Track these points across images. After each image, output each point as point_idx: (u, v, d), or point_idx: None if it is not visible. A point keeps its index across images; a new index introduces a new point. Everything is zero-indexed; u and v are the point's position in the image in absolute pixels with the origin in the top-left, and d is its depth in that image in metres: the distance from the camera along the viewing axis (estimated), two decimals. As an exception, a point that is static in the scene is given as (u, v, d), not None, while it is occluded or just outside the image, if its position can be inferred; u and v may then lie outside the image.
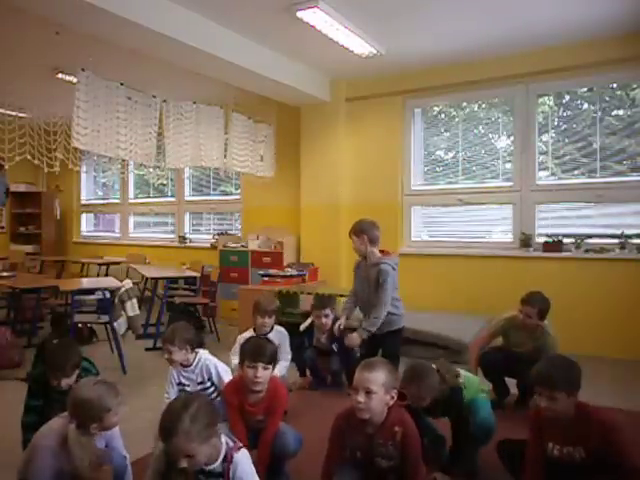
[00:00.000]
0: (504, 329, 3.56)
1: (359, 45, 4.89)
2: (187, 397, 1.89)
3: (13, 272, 6.10)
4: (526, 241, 5.26)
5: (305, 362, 3.98)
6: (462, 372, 2.66)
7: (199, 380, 2.85)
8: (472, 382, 2.67)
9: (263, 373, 2.36)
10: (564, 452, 2.08)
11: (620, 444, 1.99)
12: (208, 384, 2.86)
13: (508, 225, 5.49)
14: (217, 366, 2.88)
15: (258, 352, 2.37)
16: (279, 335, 3.57)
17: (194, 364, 2.85)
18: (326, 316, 3.81)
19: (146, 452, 2.78)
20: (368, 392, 2.02)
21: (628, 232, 4.83)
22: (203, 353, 2.90)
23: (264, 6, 4.16)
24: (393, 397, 2.08)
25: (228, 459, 1.83)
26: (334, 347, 3.83)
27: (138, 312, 4.73)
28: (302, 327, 4.10)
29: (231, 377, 2.80)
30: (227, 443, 1.86)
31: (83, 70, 4.15)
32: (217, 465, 1.80)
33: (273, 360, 2.44)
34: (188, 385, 2.86)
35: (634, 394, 3.79)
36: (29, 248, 8.79)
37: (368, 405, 2.01)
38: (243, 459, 1.87)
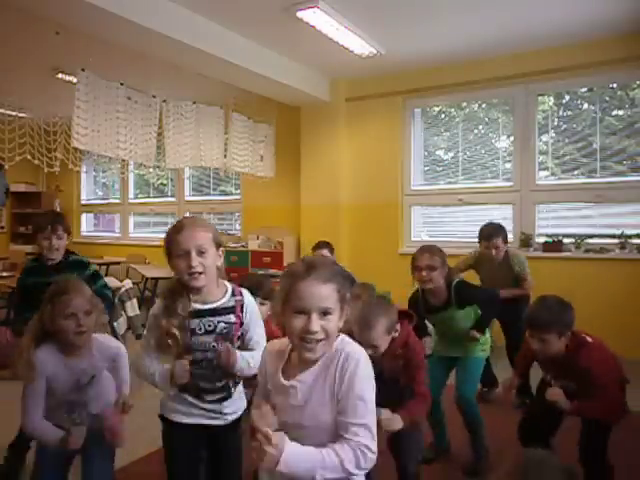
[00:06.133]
0: (476, 260, 3.84)
1: (359, 45, 4.88)
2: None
3: (13, 272, 6.09)
4: (526, 241, 5.26)
5: None
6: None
7: None
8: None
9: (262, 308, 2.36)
10: (557, 384, 2.17)
11: (600, 380, 2.06)
12: None
13: (508, 225, 5.46)
14: None
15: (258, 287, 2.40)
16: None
17: None
18: None
19: (146, 452, 2.78)
20: (374, 347, 2.03)
21: (628, 232, 4.83)
22: None
23: (264, 6, 4.16)
24: (397, 330, 2.10)
25: (237, 293, 1.78)
26: None
27: (138, 312, 4.73)
28: None
29: None
30: (230, 284, 1.80)
31: (83, 70, 4.15)
32: (227, 300, 1.74)
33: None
34: None
35: (634, 394, 3.78)
36: (29, 248, 8.76)
37: (378, 353, 2.04)
38: (250, 296, 1.82)
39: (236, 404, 1.82)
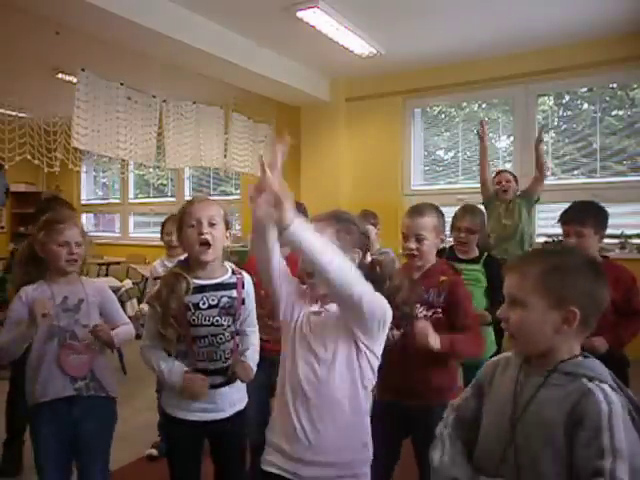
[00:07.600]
0: (486, 200, 4.03)
1: (359, 45, 4.88)
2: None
3: (13, 272, 6.09)
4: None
5: None
6: None
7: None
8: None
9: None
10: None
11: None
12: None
13: (508, 225, 5.48)
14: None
15: None
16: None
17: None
18: None
19: (146, 452, 2.78)
20: (419, 239, 1.93)
21: (628, 232, 4.84)
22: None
23: (264, 6, 4.16)
24: (442, 240, 2.03)
25: (237, 272, 1.84)
26: None
27: (138, 312, 4.73)
28: None
29: None
30: (230, 265, 1.86)
31: (83, 70, 4.15)
32: (229, 276, 1.80)
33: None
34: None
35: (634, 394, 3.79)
36: (29, 248, 8.77)
37: (421, 250, 1.93)
38: (247, 275, 1.88)
39: (238, 393, 1.80)
